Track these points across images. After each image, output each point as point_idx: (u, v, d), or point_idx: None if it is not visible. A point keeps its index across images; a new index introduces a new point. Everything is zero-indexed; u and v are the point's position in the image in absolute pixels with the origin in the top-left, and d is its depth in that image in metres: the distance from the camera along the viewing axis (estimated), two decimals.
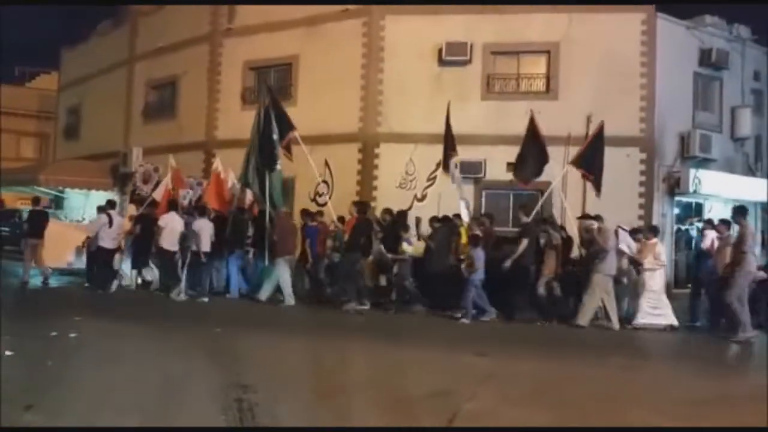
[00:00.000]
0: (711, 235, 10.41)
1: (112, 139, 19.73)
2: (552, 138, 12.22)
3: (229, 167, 12.98)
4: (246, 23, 16.71)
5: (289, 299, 11.01)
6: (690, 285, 11.77)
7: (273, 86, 13.82)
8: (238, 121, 15.14)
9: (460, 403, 5.31)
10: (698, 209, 15.25)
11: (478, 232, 10.66)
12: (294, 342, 8.08)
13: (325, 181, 14.34)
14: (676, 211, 14.97)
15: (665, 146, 14.49)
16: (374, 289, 11.69)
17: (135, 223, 12.19)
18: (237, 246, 11.60)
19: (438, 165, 12.77)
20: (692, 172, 14.30)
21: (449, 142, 12.12)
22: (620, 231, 10.40)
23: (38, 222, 12.69)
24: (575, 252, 11.06)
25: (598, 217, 10.53)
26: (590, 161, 11.25)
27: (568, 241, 10.97)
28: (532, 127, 11.48)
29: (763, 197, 14.97)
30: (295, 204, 14.07)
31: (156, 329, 8.40)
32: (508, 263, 10.01)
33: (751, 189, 15.33)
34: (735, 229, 10.01)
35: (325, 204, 13.14)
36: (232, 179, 12.78)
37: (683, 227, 14.98)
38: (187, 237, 11.37)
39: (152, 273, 12.18)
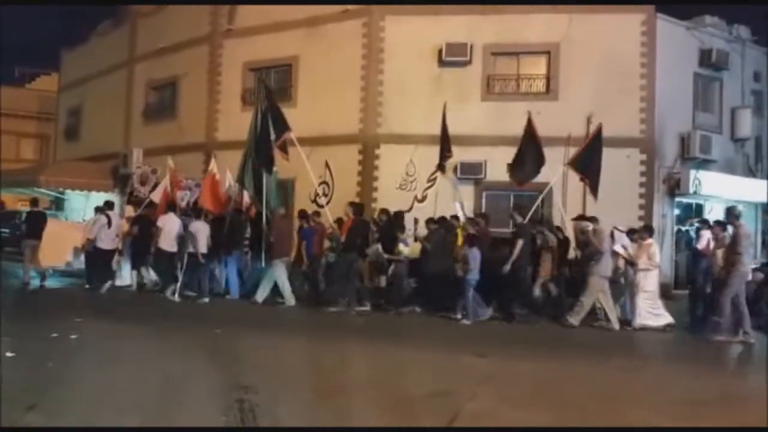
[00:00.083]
0: (707, 236, 10.39)
1: (113, 140, 19.76)
2: (552, 139, 12.23)
3: (226, 168, 12.99)
4: (246, 24, 16.72)
5: (290, 300, 11.01)
6: (689, 286, 11.76)
7: (270, 86, 13.78)
8: (239, 122, 15.13)
9: (461, 403, 5.32)
10: (698, 210, 15.25)
11: (473, 232, 10.67)
12: (294, 343, 8.08)
13: (325, 183, 14.34)
14: (677, 212, 14.98)
15: (665, 147, 14.50)
16: (373, 291, 11.67)
17: (132, 225, 12.23)
18: (234, 247, 11.60)
19: (438, 166, 12.80)
20: (692, 173, 14.32)
21: (445, 143, 12.10)
22: (616, 232, 10.39)
23: (36, 223, 12.70)
24: (571, 253, 11.05)
25: (593, 219, 10.52)
26: (588, 163, 11.21)
27: (565, 242, 10.96)
28: (530, 129, 11.47)
29: (763, 198, 15.00)
30: (295, 205, 14.07)
31: (156, 330, 8.41)
32: (507, 267, 9.97)
33: (752, 190, 15.35)
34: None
35: (326, 204, 13.14)
36: (229, 180, 12.79)
37: (684, 228, 14.98)
38: (185, 238, 11.38)
39: (147, 274, 12.21)
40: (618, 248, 10.19)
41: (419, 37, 14.70)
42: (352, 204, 11.61)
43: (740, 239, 9.11)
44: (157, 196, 13.08)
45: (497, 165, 13.56)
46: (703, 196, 14.76)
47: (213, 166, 12.71)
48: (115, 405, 4.96)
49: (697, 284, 10.60)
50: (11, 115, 27.35)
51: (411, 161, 14.30)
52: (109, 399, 5.12)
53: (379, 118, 14.79)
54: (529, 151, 11.37)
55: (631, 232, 10.61)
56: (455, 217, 11.62)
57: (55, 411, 4.74)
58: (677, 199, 14.80)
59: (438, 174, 12.93)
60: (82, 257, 13.03)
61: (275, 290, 11.13)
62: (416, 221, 11.79)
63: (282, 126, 11.57)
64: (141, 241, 11.90)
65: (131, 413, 4.73)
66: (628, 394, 6.07)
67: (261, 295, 11.06)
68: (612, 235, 10.28)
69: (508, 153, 12.13)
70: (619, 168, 13.24)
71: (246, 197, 12.12)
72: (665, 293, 13.10)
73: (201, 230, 11.33)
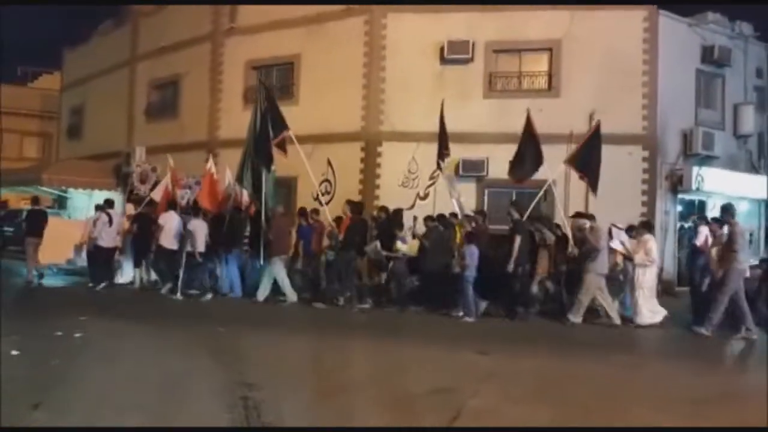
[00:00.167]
0: (705, 232, 10.36)
1: (115, 138, 19.81)
2: (554, 136, 12.23)
3: (226, 167, 13.03)
4: (248, 22, 16.74)
5: (292, 296, 11.04)
6: (689, 282, 11.75)
7: (268, 84, 13.72)
8: (240, 120, 15.09)
9: (463, 400, 5.33)
10: (701, 207, 15.23)
11: (469, 229, 10.67)
12: (296, 340, 8.11)
13: (327, 180, 14.36)
14: (679, 208, 14.95)
15: (668, 144, 14.48)
16: (374, 289, 11.68)
17: (133, 223, 12.30)
18: (234, 246, 11.63)
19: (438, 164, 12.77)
20: (695, 169, 14.30)
21: (443, 141, 12.09)
22: (614, 229, 10.38)
23: (37, 221, 12.77)
24: (570, 251, 11.01)
25: (590, 216, 10.50)
26: (587, 161, 11.12)
27: (563, 239, 10.92)
28: (528, 127, 11.44)
29: (765, 194, 14.96)
30: (297, 203, 14.08)
31: (160, 328, 8.45)
32: (511, 266, 9.95)
33: (754, 186, 15.33)
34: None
35: (328, 203, 13.15)
36: (228, 179, 12.84)
37: (686, 225, 14.96)
38: (184, 237, 11.44)
39: (144, 273, 12.26)
40: (616, 244, 10.19)
41: (421, 34, 14.71)
42: (349, 202, 11.60)
43: (735, 237, 9.10)
44: (157, 195, 13.16)
45: (499, 162, 13.50)
46: (706, 192, 14.74)
47: (211, 165, 12.77)
48: (121, 403, 4.99)
49: (695, 281, 10.58)
50: (14, 114, 27.40)
51: (413, 159, 14.31)
52: (115, 397, 5.15)
53: (381, 115, 14.80)
54: (528, 148, 11.34)
55: (629, 229, 10.60)
56: (455, 215, 11.62)
57: (61, 409, 4.77)
58: (680, 195, 14.78)
59: (438, 172, 12.91)
60: (83, 254, 13.10)
61: (276, 288, 11.15)
62: (415, 218, 11.81)
63: (280, 125, 11.58)
64: (141, 239, 11.97)
65: (137, 411, 4.76)
66: (630, 392, 6.08)
67: (262, 293, 11.09)
68: (610, 232, 10.28)
69: (510, 150, 12.08)
70: (622, 165, 13.24)
71: (245, 196, 12.16)
72: (668, 290, 13.15)
73: (199, 228, 11.38)
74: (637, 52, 14.00)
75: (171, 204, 12.20)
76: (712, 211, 14.37)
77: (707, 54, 14.99)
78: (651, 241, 10.13)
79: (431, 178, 13.71)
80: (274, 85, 16.15)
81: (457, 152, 13.35)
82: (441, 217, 11.39)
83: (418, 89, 14.45)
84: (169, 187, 13.15)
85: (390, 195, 13.92)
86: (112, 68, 20.91)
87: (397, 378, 6.22)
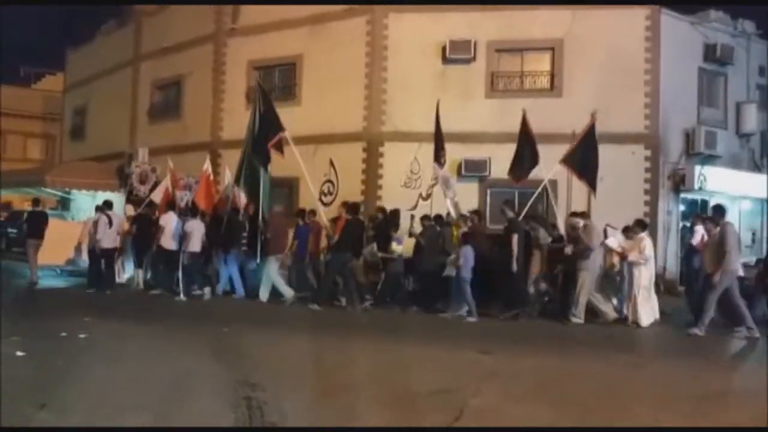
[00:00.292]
0: (700, 231, 10.36)
1: (118, 139, 19.87)
2: (556, 135, 12.22)
3: (225, 167, 13.08)
4: (250, 23, 16.77)
5: (287, 293, 11.05)
6: (685, 282, 11.76)
7: (265, 85, 13.75)
8: (243, 120, 14.97)
9: (465, 399, 5.35)
10: (704, 206, 15.20)
11: (465, 229, 10.67)
12: (298, 340, 8.12)
13: (330, 181, 14.38)
14: (682, 208, 14.93)
15: (670, 143, 14.47)
16: (371, 289, 11.69)
17: (132, 224, 12.36)
18: (232, 246, 11.67)
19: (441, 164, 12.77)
20: (697, 168, 14.28)
21: (439, 140, 12.07)
22: (609, 229, 10.39)
23: (38, 223, 12.82)
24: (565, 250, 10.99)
25: (584, 215, 10.50)
26: (584, 161, 11.08)
27: (560, 239, 10.90)
28: (524, 127, 11.43)
29: None
30: (299, 204, 14.08)
31: (163, 329, 8.50)
32: (514, 266, 9.93)
33: (757, 185, 15.29)
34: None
35: (331, 203, 13.18)
36: (228, 179, 12.88)
37: (688, 224, 14.93)
38: (182, 237, 11.52)
39: (145, 273, 12.32)
40: (611, 242, 10.19)
41: (423, 34, 14.71)
42: (345, 203, 11.63)
43: (727, 237, 9.09)
44: (157, 196, 13.24)
45: (501, 162, 13.48)
46: (709, 191, 14.71)
47: (207, 166, 12.85)
48: (126, 403, 5.02)
49: (691, 281, 10.57)
50: (17, 116, 27.49)
51: (415, 159, 14.30)
52: (120, 397, 5.18)
53: (383, 115, 14.81)
54: (525, 148, 11.35)
55: (625, 230, 10.58)
56: (448, 215, 11.62)
57: (67, 409, 4.80)
58: (682, 195, 14.76)
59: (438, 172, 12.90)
60: (83, 255, 13.14)
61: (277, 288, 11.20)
62: (412, 217, 11.82)
63: (276, 126, 11.62)
64: (141, 239, 12.04)
65: (142, 411, 4.79)
66: (631, 390, 6.10)
67: (264, 293, 11.14)
68: (605, 232, 10.28)
69: (513, 150, 12.12)
70: (624, 164, 13.24)
71: (243, 196, 12.21)
72: (671, 289, 13.14)
73: (196, 229, 11.45)
74: (639, 51, 13.98)
75: (170, 205, 12.27)
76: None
77: (709, 52, 14.96)
78: (645, 240, 10.12)
79: (433, 178, 13.73)
80: (276, 85, 16.26)
81: (459, 152, 13.37)
82: (438, 216, 11.41)
83: (420, 89, 14.44)
84: (169, 188, 13.24)
85: (392, 195, 13.94)
86: (114, 68, 20.96)
87: (399, 377, 6.24)
